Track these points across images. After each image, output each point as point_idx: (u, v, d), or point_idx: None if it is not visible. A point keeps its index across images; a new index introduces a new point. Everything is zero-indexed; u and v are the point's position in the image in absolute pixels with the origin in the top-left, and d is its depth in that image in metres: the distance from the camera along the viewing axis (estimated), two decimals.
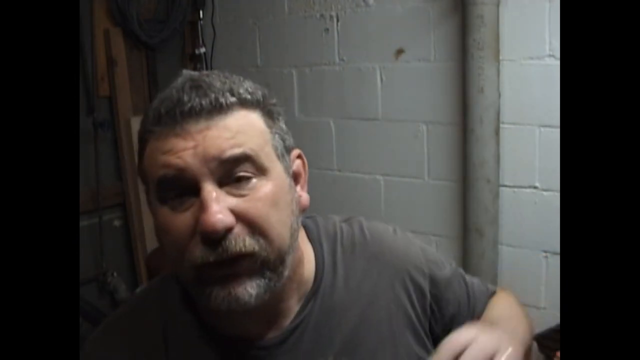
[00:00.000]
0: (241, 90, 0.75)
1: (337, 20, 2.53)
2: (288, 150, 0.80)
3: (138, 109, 2.80)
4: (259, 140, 0.74)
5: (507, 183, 2.20)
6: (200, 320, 0.84)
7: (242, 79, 0.78)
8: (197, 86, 0.73)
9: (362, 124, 2.51)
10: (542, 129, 2.10)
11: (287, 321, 0.83)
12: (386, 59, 2.41)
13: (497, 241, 2.22)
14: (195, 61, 2.99)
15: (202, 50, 2.92)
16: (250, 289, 0.72)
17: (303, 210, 0.82)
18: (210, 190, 0.70)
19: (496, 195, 2.18)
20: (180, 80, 0.76)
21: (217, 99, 0.72)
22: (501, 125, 2.15)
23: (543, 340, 1.97)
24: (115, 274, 2.72)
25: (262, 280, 0.73)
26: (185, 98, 0.72)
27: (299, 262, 0.83)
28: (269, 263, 0.73)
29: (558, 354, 1.83)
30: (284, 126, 0.80)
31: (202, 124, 0.71)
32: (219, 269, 0.71)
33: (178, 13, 2.79)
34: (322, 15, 2.57)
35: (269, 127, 0.77)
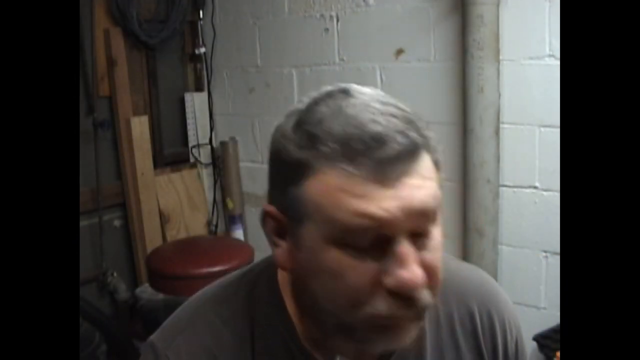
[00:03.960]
0: (424, 131, 0.68)
1: (337, 20, 2.53)
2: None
3: (138, 109, 2.80)
4: (436, 187, 0.68)
5: (507, 183, 2.20)
6: (290, 337, 0.78)
7: (405, 107, 0.69)
8: (388, 117, 0.66)
9: None
10: (542, 129, 2.10)
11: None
12: (386, 59, 2.41)
13: (497, 241, 2.22)
14: (195, 61, 3.00)
15: (202, 50, 2.92)
16: (413, 333, 0.71)
17: None
18: (408, 245, 0.66)
19: (496, 195, 2.18)
20: (353, 102, 0.68)
21: (413, 140, 0.65)
22: (501, 125, 2.15)
23: (543, 340, 1.97)
24: (115, 274, 2.71)
25: (420, 322, 0.71)
26: (384, 135, 0.64)
27: None
28: (429, 308, 0.72)
29: (558, 354, 1.83)
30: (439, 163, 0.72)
31: (399, 168, 0.64)
32: (396, 319, 0.68)
33: (178, 13, 2.79)
34: (322, 15, 2.57)
35: (436, 168, 0.70)
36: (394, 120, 0.66)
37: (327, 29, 2.56)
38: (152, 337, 0.82)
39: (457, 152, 2.27)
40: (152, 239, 2.78)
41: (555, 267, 2.13)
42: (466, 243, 2.24)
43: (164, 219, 2.86)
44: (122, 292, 2.73)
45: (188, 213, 2.97)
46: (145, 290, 2.58)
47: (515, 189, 2.19)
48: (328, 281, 0.68)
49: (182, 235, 2.91)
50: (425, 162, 0.67)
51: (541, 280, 2.18)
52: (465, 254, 2.25)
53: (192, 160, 3.01)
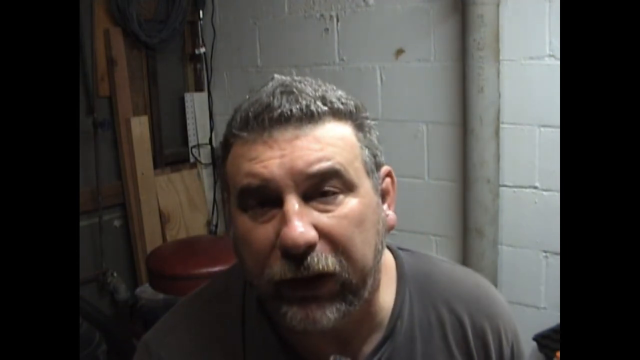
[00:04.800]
0: (333, 100, 0.72)
1: (337, 20, 2.53)
2: (378, 166, 0.77)
3: (138, 109, 2.80)
4: (348, 154, 0.71)
5: (507, 183, 2.20)
6: (277, 333, 0.79)
7: (335, 87, 0.75)
8: (288, 92, 0.70)
9: None
10: (542, 129, 2.10)
11: (360, 348, 0.80)
12: (386, 59, 2.41)
13: (497, 241, 2.22)
14: (195, 61, 3.00)
15: (202, 50, 2.92)
16: (329, 314, 0.69)
17: (389, 229, 0.79)
18: (294, 204, 0.67)
19: (496, 195, 2.18)
20: (271, 84, 0.73)
21: (308, 106, 0.69)
22: (501, 125, 2.15)
23: (543, 340, 1.98)
24: (115, 274, 2.72)
25: (343, 304, 0.70)
26: (275, 103, 0.69)
27: (377, 286, 0.78)
28: (351, 285, 0.70)
29: (558, 354, 1.83)
30: (375, 141, 0.76)
31: (290, 132, 0.68)
32: (298, 290, 0.68)
33: (178, 13, 2.79)
34: (322, 15, 2.57)
35: (360, 140, 0.73)
36: (293, 95, 0.70)
37: (327, 29, 2.56)
38: (145, 336, 0.83)
39: (457, 152, 2.27)
40: (152, 239, 2.77)
41: (555, 267, 2.13)
42: (466, 243, 2.25)
43: (164, 219, 2.86)
44: (122, 292, 2.73)
45: (188, 213, 2.97)
46: (145, 290, 2.57)
47: (515, 189, 2.19)
48: (243, 249, 0.72)
49: (182, 235, 2.91)
50: (328, 129, 0.70)
51: (541, 280, 2.18)
52: (465, 254, 2.25)
53: (192, 160, 3.01)
